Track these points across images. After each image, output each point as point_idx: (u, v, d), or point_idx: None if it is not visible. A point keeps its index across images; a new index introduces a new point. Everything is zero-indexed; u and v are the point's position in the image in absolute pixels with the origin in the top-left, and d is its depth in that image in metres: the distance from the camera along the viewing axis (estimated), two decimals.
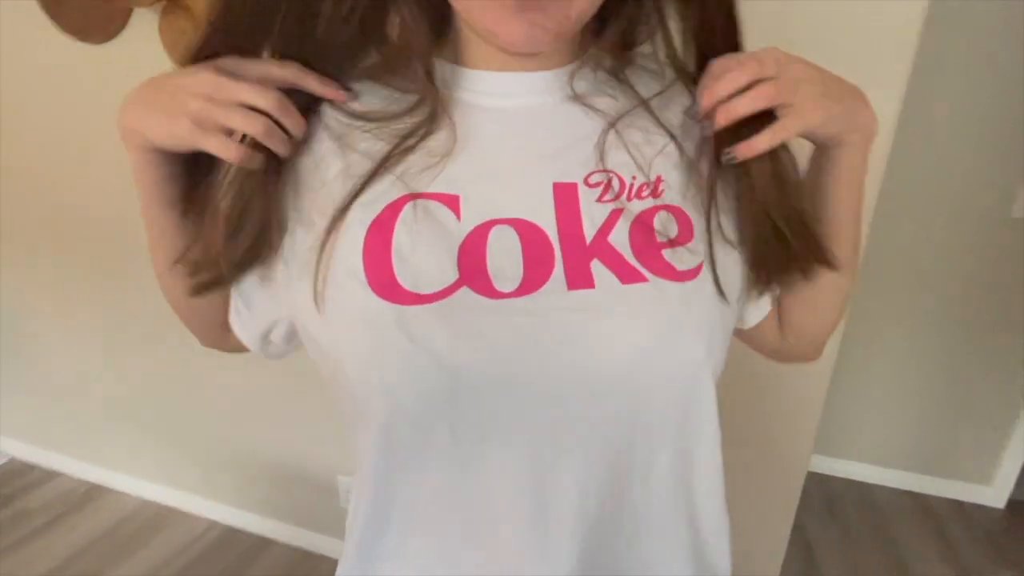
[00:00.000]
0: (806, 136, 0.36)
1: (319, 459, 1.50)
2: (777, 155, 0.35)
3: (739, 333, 0.46)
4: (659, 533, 0.38)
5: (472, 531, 0.36)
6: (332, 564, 1.60)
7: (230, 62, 0.33)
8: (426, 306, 0.31)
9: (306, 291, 0.33)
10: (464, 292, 0.32)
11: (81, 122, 1.36)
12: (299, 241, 0.35)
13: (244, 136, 0.33)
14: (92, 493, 1.86)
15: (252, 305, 0.41)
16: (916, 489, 1.95)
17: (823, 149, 0.38)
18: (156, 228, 0.39)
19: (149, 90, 0.34)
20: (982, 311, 1.75)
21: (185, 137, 0.32)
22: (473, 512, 0.36)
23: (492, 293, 0.32)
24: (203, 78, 0.32)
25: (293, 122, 0.33)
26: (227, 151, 0.32)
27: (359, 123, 0.35)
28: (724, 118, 0.33)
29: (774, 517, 1.21)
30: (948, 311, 1.77)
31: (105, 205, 1.40)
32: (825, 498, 1.91)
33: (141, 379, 1.65)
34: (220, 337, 0.47)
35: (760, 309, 0.44)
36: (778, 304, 0.45)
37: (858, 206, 0.40)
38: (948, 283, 1.74)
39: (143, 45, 1.17)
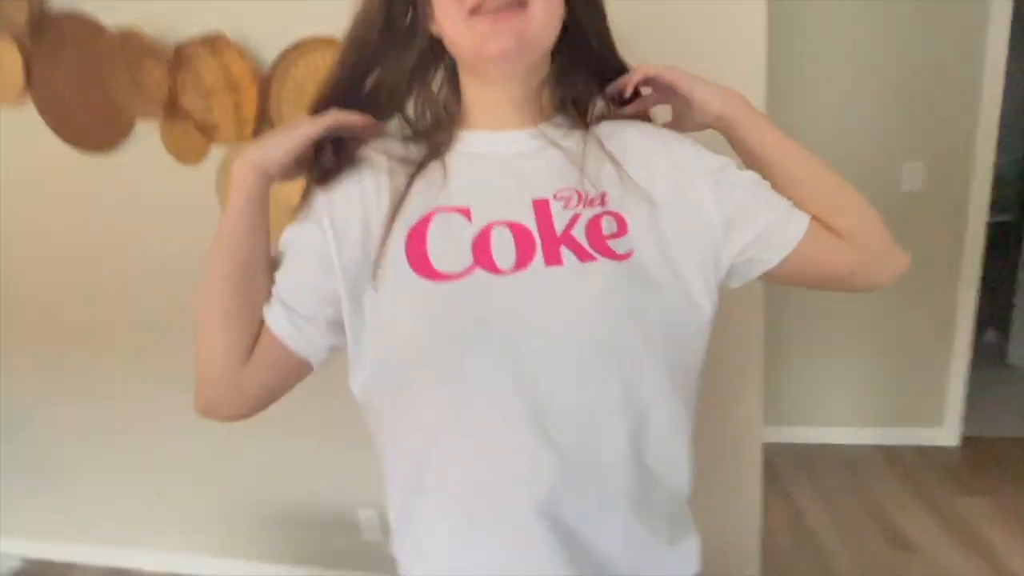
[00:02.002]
0: (696, 109, 0.56)
1: (338, 496, 1.59)
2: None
3: (809, 261, 0.53)
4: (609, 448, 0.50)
5: (480, 444, 0.50)
6: None
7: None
8: (453, 282, 0.49)
9: (365, 273, 0.50)
10: (477, 271, 0.48)
11: (86, 226, 1.51)
12: (352, 240, 0.52)
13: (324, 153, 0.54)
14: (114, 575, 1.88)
15: (297, 298, 0.52)
16: (882, 442, 2.16)
17: (726, 131, 0.56)
18: (230, 237, 0.52)
19: (263, 137, 0.55)
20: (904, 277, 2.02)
21: (298, 136, 0.51)
22: (479, 425, 0.50)
23: (496, 271, 0.48)
24: (301, 117, 0.54)
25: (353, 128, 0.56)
26: (322, 122, 0.52)
27: (391, 163, 0.55)
28: (620, 86, 0.58)
29: (740, 487, 1.34)
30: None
31: (95, 308, 1.54)
32: (805, 464, 2.08)
33: (151, 456, 1.73)
34: (233, 375, 0.51)
35: (791, 230, 0.52)
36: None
37: (798, 152, 0.54)
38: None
39: (146, 151, 1.36)
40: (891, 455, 2.08)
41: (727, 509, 1.34)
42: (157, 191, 1.43)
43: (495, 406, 0.49)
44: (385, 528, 1.60)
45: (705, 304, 0.52)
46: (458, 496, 0.51)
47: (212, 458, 1.65)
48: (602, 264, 0.49)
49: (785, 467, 2.07)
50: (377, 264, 0.50)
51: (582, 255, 0.49)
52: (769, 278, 0.55)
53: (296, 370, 0.55)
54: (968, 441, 2.10)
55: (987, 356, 2.74)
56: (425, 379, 0.50)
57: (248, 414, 0.56)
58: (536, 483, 0.48)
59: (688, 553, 0.58)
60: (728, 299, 0.56)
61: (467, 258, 0.49)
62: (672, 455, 0.54)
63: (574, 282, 0.49)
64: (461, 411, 0.50)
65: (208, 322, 0.51)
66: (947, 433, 2.09)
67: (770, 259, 0.53)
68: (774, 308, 2.07)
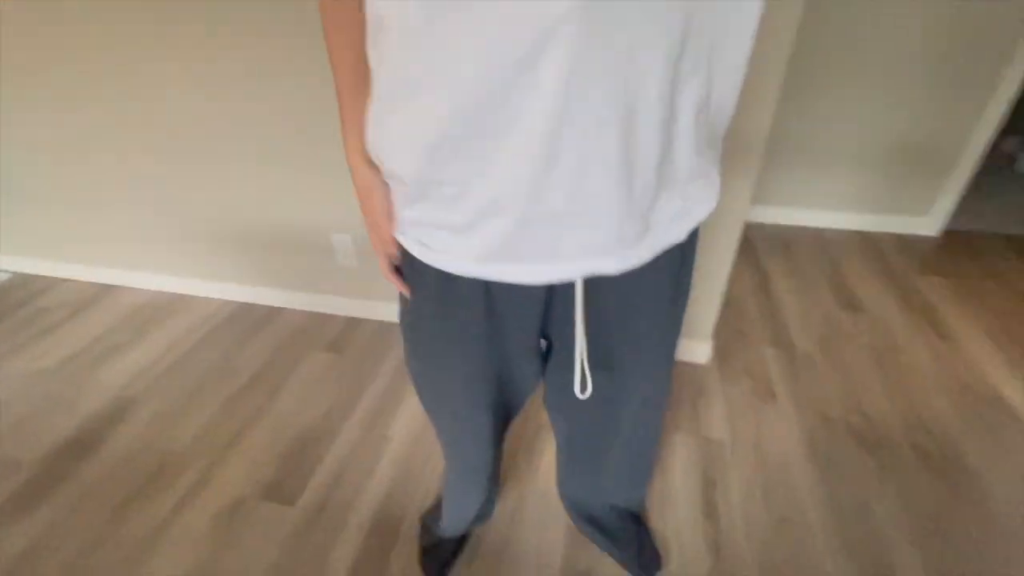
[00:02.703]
0: None
1: (313, 223, 1.57)
2: None
3: None
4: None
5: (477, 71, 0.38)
6: (338, 321, 1.80)
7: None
8: None
9: None
10: None
11: None
12: None
13: None
14: (104, 292, 1.96)
15: None
16: (862, 228, 2.15)
17: None
18: None
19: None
20: (925, 69, 1.76)
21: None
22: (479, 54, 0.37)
23: None
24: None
25: None
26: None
27: None
28: None
29: (724, 239, 1.32)
30: (893, 67, 1.77)
31: None
32: (782, 243, 2.10)
33: (138, 179, 1.64)
34: None
35: None
36: None
37: None
38: (893, 47, 1.71)
39: None
40: (868, 239, 2.09)
41: (699, 271, 1.34)
42: None
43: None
44: (358, 254, 1.62)
45: None
46: None
47: (190, 182, 1.58)
48: None
49: (762, 244, 2.09)
50: None
51: None
52: None
53: None
54: (949, 234, 2.10)
55: (996, 160, 2.62)
56: None
57: None
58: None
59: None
60: None
61: None
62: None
63: None
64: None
65: None
66: (931, 222, 2.08)
67: None
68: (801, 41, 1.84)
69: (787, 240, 2.12)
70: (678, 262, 0.59)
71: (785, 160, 2.08)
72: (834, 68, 1.85)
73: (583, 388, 0.66)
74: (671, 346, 0.70)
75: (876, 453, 1.24)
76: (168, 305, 1.88)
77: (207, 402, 1.46)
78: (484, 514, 1.03)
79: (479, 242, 0.48)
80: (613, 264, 0.50)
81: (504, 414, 0.79)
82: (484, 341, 0.62)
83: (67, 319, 1.83)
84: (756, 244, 2.09)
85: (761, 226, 2.22)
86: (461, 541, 1.07)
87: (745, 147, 1.15)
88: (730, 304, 1.76)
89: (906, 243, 2.06)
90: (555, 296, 0.60)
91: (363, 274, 1.65)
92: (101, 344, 1.70)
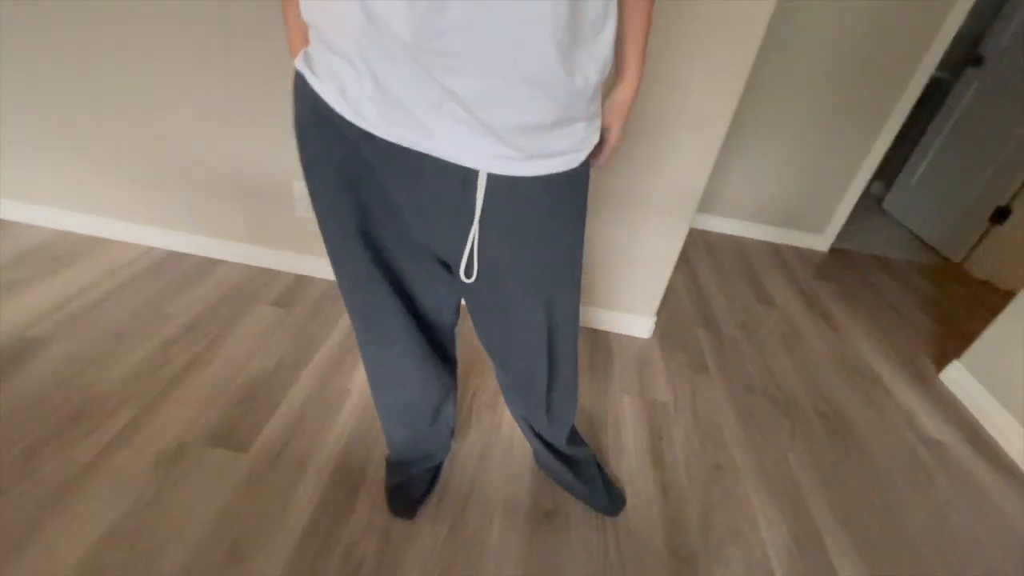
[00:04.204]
0: None
1: (272, 167, 1.48)
2: None
3: None
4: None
5: None
6: (285, 277, 1.70)
7: None
8: None
9: None
10: None
11: None
12: None
13: None
14: None
15: None
16: (771, 239, 2.47)
17: None
18: None
19: None
20: (828, 99, 2.11)
21: None
22: None
23: None
24: None
25: None
26: None
27: None
28: None
29: (671, 233, 1.47)
30: (804, 102, 2.10)
31: None
32: (707, 246, 2.35)
33: (58, 93, 1.44)
34: None
35: None
36: None
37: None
38: (807, 79, 2.04)
39: None
40: (775, 249, 2.41)
41: (652, 257, 1.48)
42: None
43: None
44: None
45: None
46: None
47: (146, 127, 1.42)
48: None
49: (692, 246, 2.32)
50: None
51: None
52: None
53: None
54: (835, 251, 2.49)
55: (867, 199, 3.15)
56: None
57: None
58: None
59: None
60: None
61: None
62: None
63: None
64: None
65: None
66: (823, 239, 2.45)
67: None
68: None
69: (711, 245, 2.37)
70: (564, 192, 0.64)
71: (713, 174, 2.34)
72: (763, 121, 2.14)
73: (468, 273, 0.68)
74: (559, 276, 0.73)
75: (788, 415, 1.44)
76: (79, 246, 1.66)
77: (134, 347, 1.32)
78: (435, 443, 1.03)
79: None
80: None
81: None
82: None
83: None
84: (686, 246, 2.32)
85: (691, 231, 2.46)
86: (431, 482, 1.08)
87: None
88: (667, 292, 1.94)
89: (804, 255, 2.41)
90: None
91: None
92: None
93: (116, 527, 0.93)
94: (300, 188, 1.50)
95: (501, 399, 1.34)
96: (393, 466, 1.06)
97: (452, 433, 1.09)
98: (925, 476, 1.31)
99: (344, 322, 1.52)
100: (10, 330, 1.31)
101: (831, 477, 1.27)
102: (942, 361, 1.78)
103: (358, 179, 0.61)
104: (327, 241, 0.70)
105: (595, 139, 0.64)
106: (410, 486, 1.05)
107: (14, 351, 1.25)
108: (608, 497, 1.09)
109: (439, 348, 0.90)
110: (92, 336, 1.32)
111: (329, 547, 0.95)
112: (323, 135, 0.58)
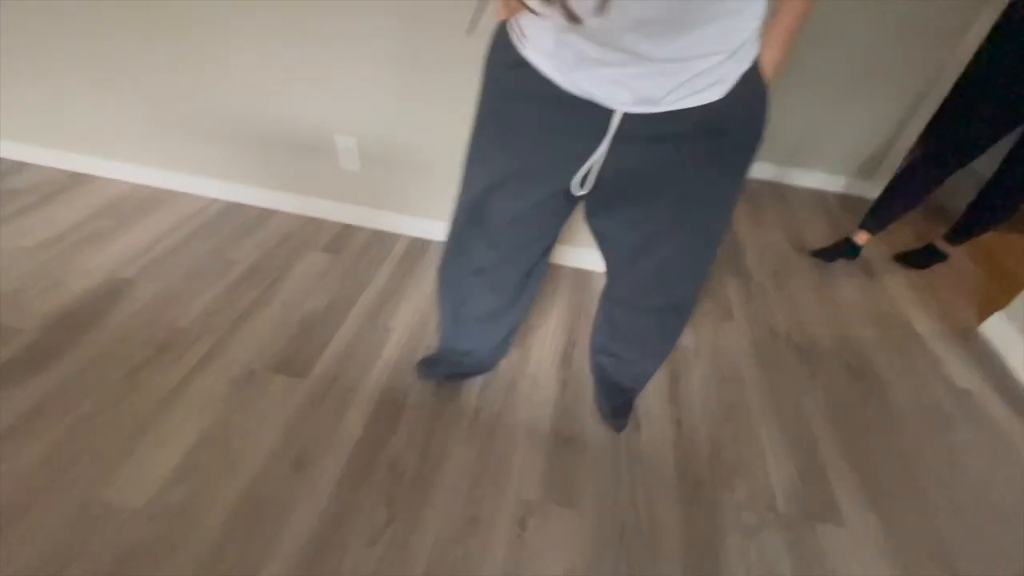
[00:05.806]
0: None
1: (317, 122, 1.58)
2: None
3: None
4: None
5: None
6: (333, 226, 1.84)
7: None
8: None
9: None
10: None
11: None
12: None
13: None
14: (76, 180, 1.89)
15: None
16: (816, 186, 2.39)
17: None
18: None
19: None
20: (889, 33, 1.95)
21: None
22: None
23: None
24: None
25: None
26: None
27: None
28: None
29: None
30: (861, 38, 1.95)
31: None
32: (747, 195, 2.30)
33: (124, 59, 1.57)
34: None
35: None
36: None
37: None
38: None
39: None
40: (819, 197, 2.34)
41: None
42: None
43: None
44: (361, 158, 1.66)
45: None
46: None
47: (181, 66, 1.53)
48: None
49: None
50: None
51: None
52: None
53: None
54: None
55: None
56: None
57: None
58: None
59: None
60: None
61: None
62: None
63: None
64: None
65: None
66: (873, 186, 2.35)
67: None
68: None
69: (751, 192, 2.32)
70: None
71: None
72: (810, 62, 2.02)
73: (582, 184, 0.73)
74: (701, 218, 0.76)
75: (809, 362, 1.48)
76: (152, 198, 1.84)
77: (206, 287, 1.49)
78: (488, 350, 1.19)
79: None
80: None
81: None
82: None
83: (40, 203, 1.76)
84: None
85: None
86: (463, 372, 1.27)
87: None
88: None
89: (851, 202, 2.32)
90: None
91: (364, 180, 1.69)
92: (83, 229, 1.67)
93: (205, 434, 1.12)
94: (343, 142, 1.60)
95: (528, 338, 1.44)
96: (435, 358, 1.26)
97: (505, 351, 1.25)
98: (945, 422, 1.34)
99: (387, 268, 1.64)
100: (105, 273, 1.51)
101: (847, 421, 1.32)
102: (985, 312, 1.73)
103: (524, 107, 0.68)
104: (475, 147, 0.78)
105: None
106: (445, 362, 1.24)
107: (110, 290, 1.45)
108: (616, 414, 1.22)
109: (524, 280, 0.99)
110: (172, 278, 1.51)
111: (377, 460, 1.11)
112: (517, 73, 0.65)
